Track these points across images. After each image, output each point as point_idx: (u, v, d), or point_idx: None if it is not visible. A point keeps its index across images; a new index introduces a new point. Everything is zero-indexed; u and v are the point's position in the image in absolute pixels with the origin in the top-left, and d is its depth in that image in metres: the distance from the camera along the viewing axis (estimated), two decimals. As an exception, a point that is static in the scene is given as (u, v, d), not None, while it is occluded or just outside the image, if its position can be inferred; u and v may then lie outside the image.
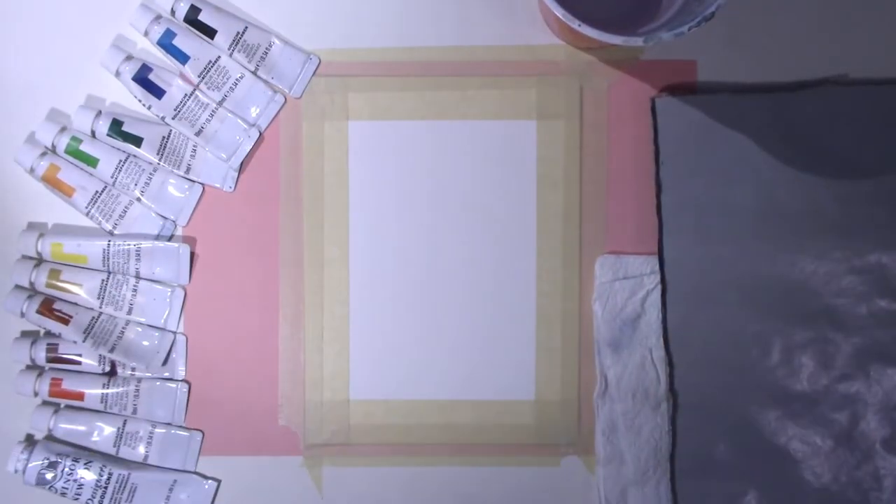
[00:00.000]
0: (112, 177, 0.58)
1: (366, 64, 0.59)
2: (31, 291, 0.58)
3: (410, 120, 0.59)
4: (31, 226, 0.60)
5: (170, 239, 0.59)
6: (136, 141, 0.58)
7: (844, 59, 0.58)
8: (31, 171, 0.58)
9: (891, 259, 0.57)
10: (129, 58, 0.58)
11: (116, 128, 0.58)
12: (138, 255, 0.58)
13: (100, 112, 0.58)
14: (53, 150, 0.58)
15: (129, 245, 0.58)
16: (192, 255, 0.59)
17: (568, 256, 0.59)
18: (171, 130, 0.59)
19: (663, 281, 0.58)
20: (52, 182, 0.58)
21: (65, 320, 0.57)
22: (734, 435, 0.57)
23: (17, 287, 0.58)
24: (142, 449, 0.59)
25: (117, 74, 0.58)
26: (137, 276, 0.59)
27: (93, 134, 0.58)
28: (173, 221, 0.59)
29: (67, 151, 0.58)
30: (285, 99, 0.59)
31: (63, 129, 0.58)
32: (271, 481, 0.59)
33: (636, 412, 0.58)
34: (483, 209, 0.59)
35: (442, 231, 0.59)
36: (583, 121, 0.59)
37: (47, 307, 0.57)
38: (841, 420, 0.57)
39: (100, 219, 0.59)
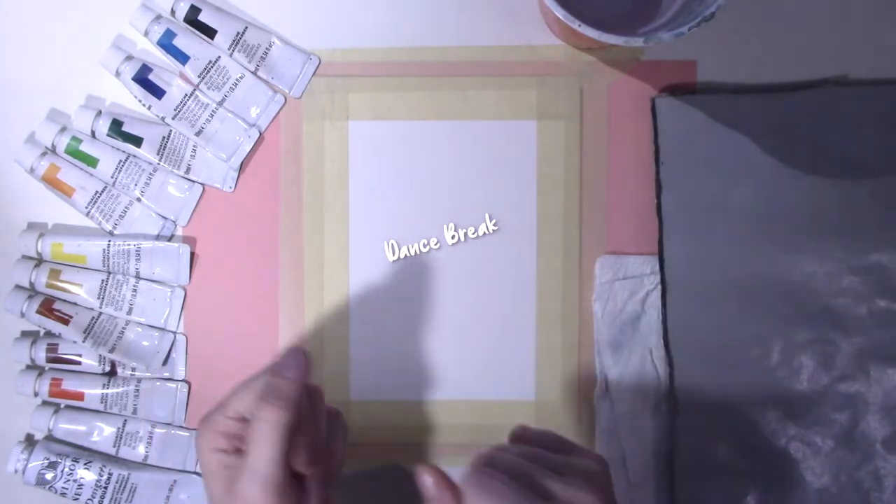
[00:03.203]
0: (112, 177, 0.58)
1: (366, 64, 0.59)
2: (31, 291, 0.58)
3: (410, 120, 0.59)
4: (31, 226, 0.60)
5: (170, 239, 0.59)
6: (136, 141, 0.58)
7: (844, 59, 0.58)
8: (32, 170, 0.58)
9: (891, 259, 0.57)
10: (129, 58, 0.58)
11: (116, 128, 0.58)
12: (138, 255, 0.58)
13: (100, 112, 0.58)
14: (53, 150, 0.58)
15: (129, 245, 0.58)
16: (192, 255, 0.59)
17: (568, 256, 0.59)
18: (171, 130, 0.59)
19: (663, 281, 0.58)
20: (52, 182, 0.58)
21: (65, 320, 0.57)
22: (734, 435, 0.57)
23: (17, 287, 0.58)
24: (142, 449, 0.59)
25: (117, 74, 0.58)
26: (137, 277, 0.59)
27: (93, 134, 0.58)
28: (173, 221, 0.59)
29: (67, 151, 0.58)
30: (285, 99, 0.59)
31: (63, 129, 0.58)
32: (271, 481, 0.59)
33: (636, 413, 0.58)
34: (483, 209, 0.59)
35: (442, 231, 0.59)
36: (583, 121, 0.59)
37: (47, 307, 0.57)
38: (841, 420, 0.57)
39: (100, 219, 0.59)
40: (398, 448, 0.59)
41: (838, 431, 0.57)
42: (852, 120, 0.57)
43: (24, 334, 0.59)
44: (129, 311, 0.59)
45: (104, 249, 0.58)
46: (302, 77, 0.59)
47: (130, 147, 0.58)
